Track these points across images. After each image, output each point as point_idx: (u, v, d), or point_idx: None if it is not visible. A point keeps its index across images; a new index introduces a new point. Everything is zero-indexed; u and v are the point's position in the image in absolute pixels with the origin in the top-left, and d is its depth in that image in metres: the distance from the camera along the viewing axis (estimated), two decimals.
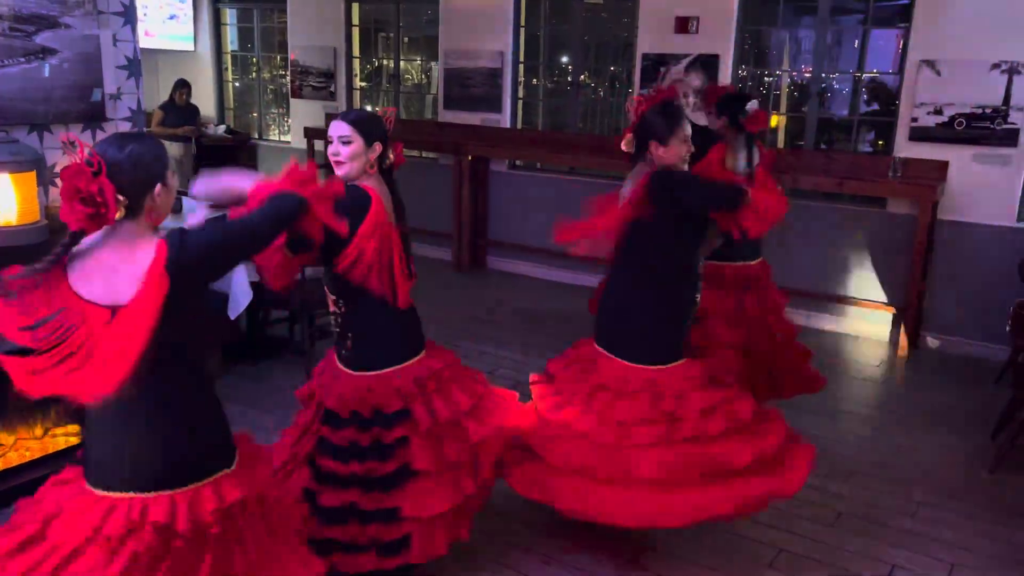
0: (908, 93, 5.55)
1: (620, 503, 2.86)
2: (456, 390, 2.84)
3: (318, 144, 7.65)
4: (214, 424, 2.13)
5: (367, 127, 2.64)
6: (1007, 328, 4.31)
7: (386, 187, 2.73)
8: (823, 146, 6.31)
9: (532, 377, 3.37)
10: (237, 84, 9.95)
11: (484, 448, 2.86)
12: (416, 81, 8.63)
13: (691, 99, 3.13)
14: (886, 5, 5.90)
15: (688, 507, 2.84)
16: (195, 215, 2.18)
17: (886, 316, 5.83)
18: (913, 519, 3.53)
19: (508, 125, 7.40)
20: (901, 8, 5.70)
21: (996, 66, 5.23)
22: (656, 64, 6.34)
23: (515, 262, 7.45)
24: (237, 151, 9.27)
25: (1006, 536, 3.42)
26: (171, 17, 9.46)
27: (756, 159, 3.77)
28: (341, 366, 2.81)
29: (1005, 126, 5.26)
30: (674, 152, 2.97)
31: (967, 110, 5.36)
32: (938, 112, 5.46)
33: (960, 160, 5.43)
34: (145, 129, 5.06)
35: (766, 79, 6.76)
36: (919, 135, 5.54)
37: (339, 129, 2.63)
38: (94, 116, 3.68)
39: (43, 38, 3.43)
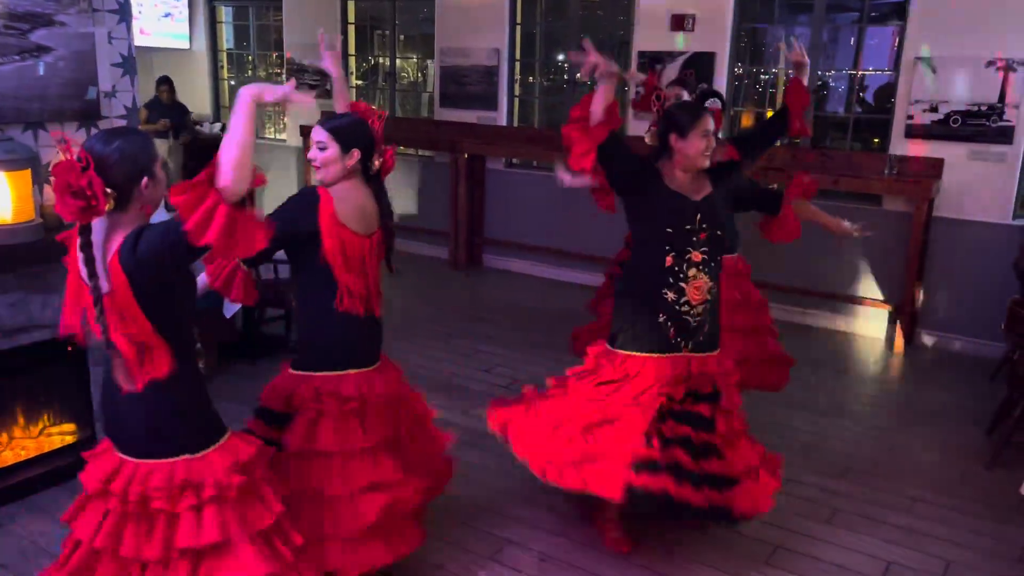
0: (904, 91, 5.57)
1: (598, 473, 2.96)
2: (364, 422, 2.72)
3: None
4: (197, 407, 2.24)
5: (344, 134, 2.64)
6: (1003, 325, 4.33)
7: (366, 192, 2.72)
8: (825, 145, 6.32)
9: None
10: (233, 82, 9.93)
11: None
12: (412, 79, 8.62)
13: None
14: (882, 3, 5.90)
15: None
16: (159, 214, 2.23)
17: (882, 313, 5.84)
18: (909, 515, 3.54)
19: (504, 123, 7.40)
20: (897, 6, 5.71)
21: (991, 63, 5.24)
22: (651, 63, 6.34)
23: (511, 260, 7.45)
24: None
25: (1002, 532, 3.43)
26: (166, 15, 9.45)
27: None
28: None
29: (1000, 123, 5.27)
30: (693, 145, 2.97)
31: (962, 107, 5.38)
32: (934, 109, 5.48)
33: (956, 157, 5.44)
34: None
35: (762, 77, 6.77)
36: (915, 132, 5.55)
37: (317, 134, 2.66)
38: (89, 114, 3.66)
39: (38, 36, 3.41)
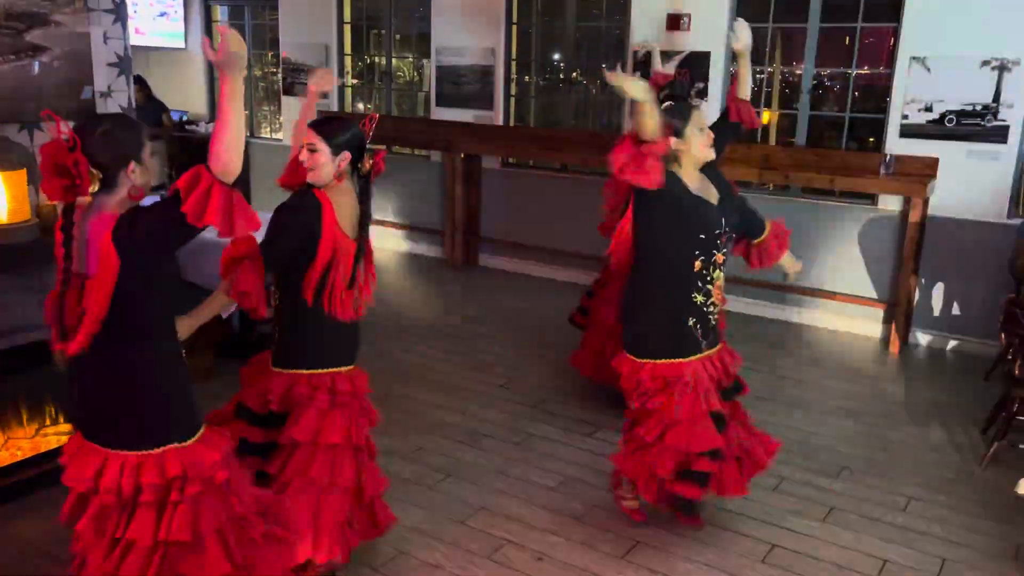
0: (899, 90, 5.58)
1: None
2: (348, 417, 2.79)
3: None
4: (173, 397, 2.25)
5: (334, 137, 2.66)
6: (999, 324, 4.34)
7: (354, 195, 2.73)
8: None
9: None
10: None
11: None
12: (408, 78, 8.62)
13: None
14: (878, 2, 5.91)
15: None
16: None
17: (876, 312, 5.85)
18: (904, 514, 3.55)
19: (500, 122, 7.40)
20: (892, 5, 5.72)
21: (986, 63, 5.25)
22: (646, 62, 6.34)
23: (507, 259, 7.45)
24: None
25: (997, 530, 3.44)
26: (161, 15, 9.43)
27: None
28: (270, 362, 2.85)
29: (995, 123, 5.29)
30: (692, 144, 3.00)
31: (957, 107, 5.39)
32: (928, 109, 5.49)
33: (950, 157, 5.46)
34: None
35: (758, 76, 6.77)
36: (909, 132, 5.57)
37: (308, 137, 2.67)
38: (85, 114, 3.65)
39: (33, 36, 3.41)
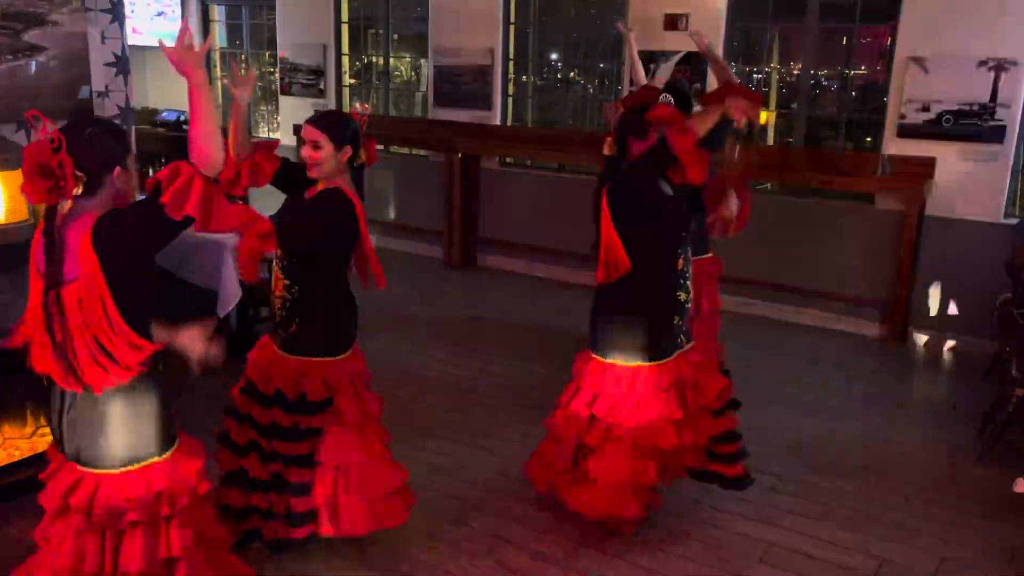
0: (896, 90, 5.59)
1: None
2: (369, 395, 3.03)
3: None
4: (150, 412, 2.21)
5: (336, 131, 2.74)
6: (992, 322, 4.35)
7: (351, 184, 2.84)
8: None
9: None
10: (225, 81, 9.88)
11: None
12: (406, 78, 8.62)
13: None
14: (875, 3, 5.92)
15: None
16: None
17: (873, 312, 5.86)
18: (901, 513, 3.56)
19: (498, 122, 7.40)
20: (889, 5, 5.72)
21: (983, 63, 5.26)
22: (646, 62, 6.34)
23: (506, 259, 7.45)
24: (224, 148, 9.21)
25: (994, 529, 3.45)
26: (159, 14, 9.41)
27: None
28: (279, 349, 2.91)
29: (992, 123, 5.30)
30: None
31: (954, 107, 5.40)
32: (925, 109, 5.50)
33: (948, 157, 5.46)
34: None
35: (755, 76, 6.78)
36: (907, 132, 5.57)
37: (309, 133, 2.74)
38: (82, 114, 3.65)
39: (31, 35, 3.41)
